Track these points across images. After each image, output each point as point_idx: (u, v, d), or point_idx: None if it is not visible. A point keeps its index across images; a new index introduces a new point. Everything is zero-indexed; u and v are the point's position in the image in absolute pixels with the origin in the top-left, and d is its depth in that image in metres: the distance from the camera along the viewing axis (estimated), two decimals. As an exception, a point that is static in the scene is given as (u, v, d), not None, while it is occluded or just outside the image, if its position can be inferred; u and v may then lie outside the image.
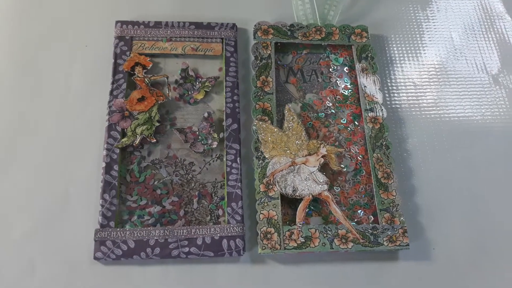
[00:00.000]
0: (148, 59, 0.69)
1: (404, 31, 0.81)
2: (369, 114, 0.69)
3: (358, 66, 0.72)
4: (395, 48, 0.79)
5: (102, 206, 0.60)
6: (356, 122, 0.70)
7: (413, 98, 0.75)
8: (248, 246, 0.61)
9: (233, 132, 0.66)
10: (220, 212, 0.63)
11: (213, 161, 0.66)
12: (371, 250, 0.61)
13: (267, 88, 0.69)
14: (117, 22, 0.72)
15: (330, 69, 0.74)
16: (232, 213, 0.61)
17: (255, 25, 0.73)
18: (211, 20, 0.73)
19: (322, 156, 0.65)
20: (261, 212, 0.61)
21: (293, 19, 0.76)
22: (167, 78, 0.70)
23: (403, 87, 0.76)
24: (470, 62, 0.80)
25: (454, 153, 0.71)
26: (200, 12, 0.76)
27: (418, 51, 0.79)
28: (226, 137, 0.66)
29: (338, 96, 0.72)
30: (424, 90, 0.76)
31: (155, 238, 0.59)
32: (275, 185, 0.63)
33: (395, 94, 0.75)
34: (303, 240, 0.60)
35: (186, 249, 0.59)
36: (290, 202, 0.63)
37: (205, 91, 0.69)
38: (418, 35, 0.81)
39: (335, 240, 0.60)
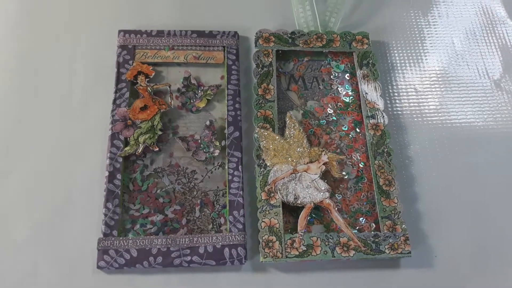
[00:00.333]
0: (151, 68, 0.70)
1: (405, 37, 0.81)
2: (371, 121, 0.69)
3: (359, 73, 0.73)
4: (396, 55, 0.79)
5: (105, 215, 0.61)
6: (357, 129, 0.70)
7: (415, 104, 0.75)
8: (249, 254, 0.62)
9: (235, 140, 0.67)
10: (222, 220, 0.63)
11: (215, 169, 0.66)
12: (373, 258, 0.61)
13: (269, 95, 0.69)
14: (119, 31, 0.72)
15: (331, 76, 0.74)
16: (234, 221, 0.62)
17: (256, 33, 0.73)
18: (212, 28, 0.74)
19: (324, 164, 0.65)
20: (263, 220, 0.61)
21: (294, 27, 0.76)
22: (170, 86, 0.70)
23: (405, 94, 0.76)
24: (471, 67, 0.80)
25: (456, 159, 0.71)
26: (202, 21, 0.77)
27: (419, 57, 0.80)
28: (228, 145, 0.66)
29: (339, 103, 0.72)
30: (426, 96, 0.76)
31: (158, 247, 0.59)
32: (277, 193, 0.63)
33: (397, 101, 0.75)
34: (305, 249, 0.60)
35: (188, 258, 0.59)
36: (291, 210, 0.64)
37: (207, 99, 0.70)
38: (419, 41, 0.81)
39: (337, 248, 0.60)
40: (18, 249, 0.61)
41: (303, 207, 0.63)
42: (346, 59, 0.75)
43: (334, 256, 0.60)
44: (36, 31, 0.75)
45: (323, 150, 0.66)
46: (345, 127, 0.70)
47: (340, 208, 0.65)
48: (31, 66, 0.72)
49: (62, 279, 0.59)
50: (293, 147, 0.66)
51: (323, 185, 0.64)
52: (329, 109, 0.72)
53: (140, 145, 0.65)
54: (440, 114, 0.75)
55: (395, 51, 0.79)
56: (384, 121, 0.69)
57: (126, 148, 0.65)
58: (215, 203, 0.64)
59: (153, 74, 0.69)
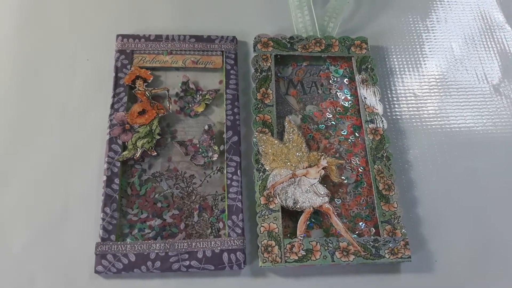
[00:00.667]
0: (149, 73, 0.70)
1: (404, 42, 0.81)
2: (370, 125, 0.69)
3: (358, 78, 0.72)
4: (395, 59, 0.79)
5: (103, 219, 0.60)
6: (356, 134, 0.70)
7: (414, 109, 0.75)
8: (248, 259, 0.61)
9: (234, 145, 0.66)
10: (221, 225, 0.63)
11: (214, 173, 0.66)
12: (373, 263, 0.60)
13: (267, 100, 0.69)
14: (118, 35, 0.72)
15: (330, 81, 0.74)
16: (233, 226, 0.61)
17: (255, 38, 0.73)
18: (211, 33, 0.74)
19: (323, 168, 0.65)
20: (262, 225, 0.61)
21: (292, 32, 0.76)
22: (168, 91, 0.70)
23: (404, 98, 0.76)
24: (470, 72, 0.80)
25: (456, 164, 0.71)
26: (200, 25, 0.77)
27: (418, 62, 0.80)
28: (226, 150, 0.66)
29: (338, 108, 0.72)
30: (425, 101, 0.76)
31: (156, 251, 0.59)
32: (276, 197, 0.62)
33: (396, 105, 0.75)
34: (304, 253, 0.59)
35: (187, 263, 0.59)
36: (290, 215, 0.63)
37: (205, 103, 0.69)
38: (418, 46, 0.81)
39: (336, 253, 0.60)
40: (15, 252, 0.60)
41: (302, 212, 0.62)
42: (345, 64, 0.75)
43: (334, 261, 0.59)
44: (35, 36, 0.75)
45: (322, 155, 0.66)
46: (344, 132, 0.70)
47: (340, 213, 0.65)
48: (29, 70, 0.72)
49: (60, 283, 0.59)
50: (292, 151, 0.66)
51: (322, 189, 0.64)
52: (328, 113, 0.71)
53: (138, 149, 0.65)
54: (439, 119, 0.75)
55: (394, 56, 0.80)
56: (383, 125, 0.69)
57: (124, 153, 0.64)
58: (213, 207, 0.64)
59: (151, 78, 0.69)
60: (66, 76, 0.72)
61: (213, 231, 0.62)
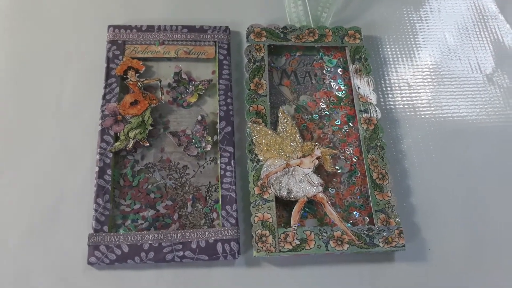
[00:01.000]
0: (141, 63, 0.69)
1: (398, 32, 0.81)
2: (363, 115, 0.69)
3: (351, 68, 0.72)
4: (388, 49, 0.79)
5: (96, 210, 0.60)
6: (350, 124, 0.70)
7: (408, 98, 0.75)
8: (243, 249, 0.61)
9: (227, 135, 0.66)
10: (215, 215, 0.62)
11: (207, 164, 0.66)
12: (367, 252, 0.60)
13: (261, 90, 0.68)
14: (109, 26, 0.72)
15: (324, 71, 0.74)
16: (227, 216, 0.61)
17: (248, 28, 0.73)
18: (203, 23, 0.73)
19: (317, 158, 0.65)
20: (256, 214, 0.61)
21: (286, 21, 0.76)
22: (160, 81, 0.69)
23: (397, 88, 0.76)
24: (464, 62, 0.80)
25: (449, 153, 0.71)
26: (192, 16, 0.76)
27: (412, 52, 0.79)
28: (220, 140, 0.65)
29: (332, 98, 0.72)
30: (419, 91, 0.76)
31: (149, 242, 0.59)
32: (270, 187, 0.62)
33: (389, 95, 0.75)
34: (298, 243, 0.59)
35: (181, 253, 0.58)
36: (285, 204, 0.63)
37: (198, 94, 0.69)
38: (411, 36, 0.81)
39: (331, 242, 0.60)
40: (8, 245, 0.60)
41: (296, 202, 0.62)
42: (339, 54, 0.75)
43: (328, 250, 0.59)
44: (26, 27, 0.74)
45: (316, 145, 0.65)
46: (338, 122, 0.70)
47: (334, 202, 0.64)
48: (21, 62, 0.71)
49: (53, 275, 0.58)
50: (286, 141, 0.65)
51: (316, 179, 0.63)
52: (321, 103, 0.71)
53: (131, 140, 0.64)
54: (432, 108, 0.75)
55: (388, 46, 0.79)
56: (377, 115, 0.69)
57: (116, 144, 0.64)
58: (207, 198, 0.63)
59: (143, 69, 0.69)
60: (58, 67, 0.71)
61: (207, 221, 0.62)
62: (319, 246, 0.59)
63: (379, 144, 0.67)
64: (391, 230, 0.61)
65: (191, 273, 0.60)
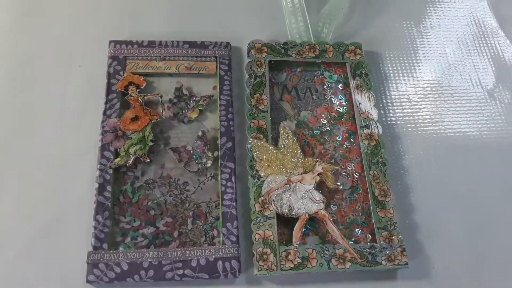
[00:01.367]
0: (142, 79, 0.69)
1: (398, 47, 0.81)
2: (365, 131, 0.69)
3: (352, 83, 0.72)
4: (389, 65, 0.79)
5: (95, 227, 0.59)
6: (351, 139, 0.69)
7: (409, 114, 0.75)
8: (243, 267, 0.60)
9: (228, 151, 0.65)
10: (215, 232, 0.62)
11: (208, 180, 0.65)
12: (370, 270, 0.59)
13: (262, 106, 0.68)
14: (110, 41, 0.72)
15: (325, 87, 0.74)
16: (227, 233, 0.60)
17: (249, 44, 0.73)
18: (205, 39, 0.73)
19: (318, 174, 0.64)
20: (257, 232, 0.60)
21: (286, 37, 0.76)
22: (161, 97, 0.69)
23: (398, 104, 0.76)
24: (465, 77, 0.80)
25: (451, 169, 0.71)
26: (193, 31, 0.76)
27: (412, 68, 0.79)
28: (220, 156, 0.65)
29: (333, 113, 0.71)
30: (420, 106, 0.76)
31: (149, 260, 0.58)
32: (271, 204, 0.62)
33: (391, 111, 0.75)
34: (300, 261, 0.59)
35: (181, 272, 0.58)
36: (286, 222, 0.62)
37: (199, 109, 0.69)
38: (412, 52, 0.81)
39: (333, 260, 0.59)
40: (6, 261, 0.59)
41: (297, 219, 0.61)
42: (339, 70, 0.75)
43: (330, 268, 0.58)
44: (27, 42, 0.74)
45: (317, 161, 0.65)
46: (339, 137, 0.70)
47: (336, 219, 0.64)
48: (22, 77, 0.71)
49: (51, 293, 0.58)
50: (287, 157, 0.65)
51: (318, 195, 0.63)
52: (322, 119, 0.71)
53: (131, 156, 0.64)
54: (434, 124, 0.74)
55: (388, 62, 0.79)
56: (378, 131, 0.69)
57: (117, 160, 0.63)
58: (207, 215, 0.63)
59: (144, 84, 0.68)
60: (58, 82, 0.71)
61: (207, 239, 0.61)
62: (321, 265, 0.59)
63: (380, 160, 0.66)
64: (393, 248, 0.61)
65: (191, 291, 0.59)
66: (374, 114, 0.70)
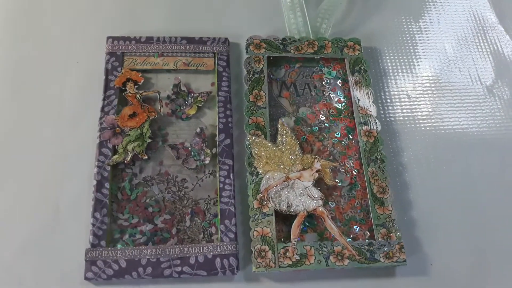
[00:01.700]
0: (140, 75, 0.68)
1: (397, 43, 0.81)
2: (363, 127, 0.68)
3: (351, 79, 0.72)
4: (388, 61, 0.79)
5: (93, 225, 0.59)
6: (350, 136, 0.69)
7: (408, 110, 0.75)
8: (242, 264, 0.60)
9: (226, 148, 0.65)
10: (213, 229, 0.62)
11: (206, 177, 0.65)
12: (368, 267, 0.59)
13: (260, 102, 0.68)
14: (108, 37, 0.71)
15: (323, 83, 0.73)
16: (226, 230, 0.60)
17: (247, 40, 0.72)
18: (203, 35, 0.73)
19: (317, 171, 0.64)
20: (255, 229, 0.60)
21: (285, 33, 0.76)
22: (159, 93, 0.69)
23: (397, 100, 0.75)
24: (464, 73, 0.79)
25: (450, 165, 0.71)
26: (192, 27, 0.76)
27: (411, 63, 0.79)
28: (219, 153, 0.65)
29: (331, 110, 0.71)
30: (419, 103, 0.76)
31: (147, 257, 0.58)
32: (269, 201, 0.62)
33: (389, 107, 0.75)
34: (298, 258, 0.59)
35: (179, 269, 0.58)
36: (284, 219, 0.62)
37: (197, 106, 0.68)
38: (411, 47, 0.81)
39: (331, 257, 0.59)
40: (4, 259, 0.59)
41: (296, 216, 0.61)
42: (338, 66, 0.75)
43: (328, 265, 0.58)
44: (25, 38, 0.74)
45: (316, 157, 0.65)
46: (338, 134, 0.69)
47: (334, 216, 0.64)
48: (19, 73, 0.71)
49: (49, 290, 0.58)
50: (286, 154, 0.65)
51: (316, 192, 0.63)
52: (321, 115, 0.71)
53: (129, 153, 0.64)
54: (433, 120, 0.74)
55: (387, 57, 0.79)
56: (377, 127, 0.69)
57: (115, 157, 0.63)
58: (206, 212, 0.63)
59: (142, 81, 0.68)
60: (56, 79, 0.71)
61: (206, 236, 0.61)
62: (319, 262, 0.59)
63: (379, 157, 0.66)
64: (392, 245, 0.61)
65: (189, 289, 0.59)
66: (373, 110, 0.70)
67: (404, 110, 0.75)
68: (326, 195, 0.64)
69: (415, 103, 0.75)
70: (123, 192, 0.63)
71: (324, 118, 0.70)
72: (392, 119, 0.74)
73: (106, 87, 0.68)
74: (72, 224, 0.61)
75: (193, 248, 0.59)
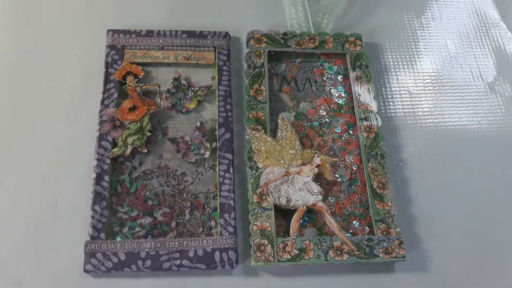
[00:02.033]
0: (140, 68, 0.68)
1: (399, 39, 0.80)
2: (364, 123, 0.68)
3: (352, 75, 0.72)
4: (389, 56, 0.78)
5: (93, 217, 0.59)
6: (350, 131, 0.69)
7: (408, 106, 0.74)
8: (241, 258, 0.60)
9: (226, 142, 0.65)
10: (213, 223, 0.62)
11: (206, 171, 0.65)
12: (367, 262, 0.59)
13: (260, 97, 0.68)
14: (108, 30, 0.71)
15: (324, 78, 0.73)
16: (225, 224, 0.60)
17: (248, 34, 0.72)
18: (203, 28, 0.73)
19: (317, 166, 0.64)
20: (254, 223, 0.60)
21: (286, 28, 0.75)
22: (159, 87, 0.69)
23: (398, 96, 0.75)
24: (465, 70, 0.79)
25: (451, 162, 0.71)
26: (192, 21, 0.75)
27: (413, 59, 0.79)
28: (218, 147, 0.65)
29: (332, 105, 0.71)
30: (420, 99, 0.75)
31: (146, 250, 0.58)
32: (269, 195, 0.62)
33: (390, 103, 0.74)
34: (297, 252, 0.59)
35: (178, 262, 0.58)
36: (284, 213, 0.62)
37: (197, 100, 0.68)
38: (413, 43, 0.80)
39: (330, 252, 0.59)
40: (3, 251, 0.59)
41: (295, 210, 0.61)
42: (339, 61, 0.74)
43: (327, 260, 0.58)
44: (25, 31, 0.74)
45: (316, 152, 0.65)
46: (338, 129, 0.69)
47: (333, 211, 0.64)
48: (19, 66, 0.71)
49: (48, 282, 0.58)
50: (286, 149, 0.65)
51: (316, 187, 0.63)
52: (321, 111, 0.71)
53: (129, 146, 0.63)
54: (434, 117, 0.74)
55: (388, 53, 0.79)
56: (377, 123, 0.68)
57: (114, 150, 0.63)
58: (205, 205, 0.63)
59: (142, 74, 0.68)
60: (56, 72, 0.71)
61: (205, 229, 0.61)
62: (318, 256, 0.59)
63: (379, 152, 0.66)
64: (391, 240, 0.61)
65: (188, 282, 0.59)
66: (373, 106, 0.70)
67: (405, 106, 0.74)
68: (325, 190, 0.64)
69: (416, 99, 0.75)
70: (123, 185, 0.63)
71: (324, 113, 0.70)
72: (393, 115, 0.73)
73: (106, 80, 0.67)
74: (71, 217, 0.61)
75: (192, 242, 0.59)
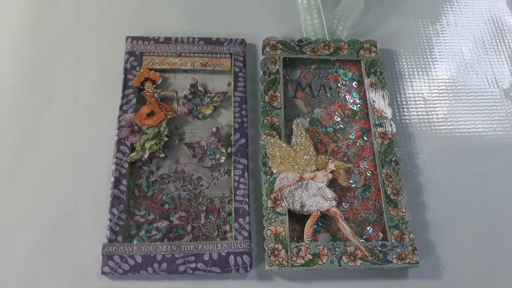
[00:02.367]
0: (158, 74, 0.70)
1: (414, 45, 0.81)
2: (378, 129, 0.69)
3: (366, 81, 0.72)
4: (404, 63, 0.79)
5: (110, 220, 0.60)
6: (365, 137, 0.70)
7: (423, 113, 0.75)
8: (255, 262, 0.61)
9: (241, 147, 0.66)
10: (228, 227, 0.62)
11: (221, 176, 0.66)
12: (380, 268, 0.60)
13: (275, 103, 0.69)
14: (127, 37, 0.73)
15: (339, 84, 0.74)
16: (239, 228, 0.61)
17: (263, 41, 0.73)
18: (220, 35, 0.74)
19: (331, 172, 0.64)
20: (269, 228, 0.61)
21: (301, 35, 0.76)
22: (176, 93, 0.70)
23: (413, 102, 0.75)
24: (480, 76, 0.79)
25: (465, 169, 0.71)
26: (209, 28, 0.77)
27: (427, 66, 0.79)
28: (234, 152, 0.66)
29: (346, 111, 0.71)
30: (434, 105, 0.76)
31: (162, 253, 0.59)
32: (283, 200, 0.62)
33: (405, 109, 0.75)
34: (311, 257, 0.59)
35: (193, 265, 0.59)
36: (297, 218, 0.63)
37: (213, 106, 0.69)
38: (427, 50, 0.81)
39: (344, 258, 0.59)
40: (22, 253, 0.60)
41: (309, 215, 0.62)
42: (354, 67, 0.75)
43: (341, 266, 0.59)
44: (44, 37, 0.75)
45: (330, 158, 0.65)
46: (353, 135, 0.70)
47: (347, 217, 0.64)
48: (39, 71, 0.72)
49: (66, 284, 0.59)
50: (300, 154, 0.65)
51: (330, 193, 0.63)
52: (336, 117, 0.71)
53: (146, 151, 0.65)
54: (448, 123, 0.74)
55: (403, 60, 0.79)
56: (392, 129, 0.69)
57: (132, 154, 0.65)
58: (220, 210, 0.64)
59: (160, 80, 0.69)
60: (75, 78, 0.72)
61: (220, 233, 0.62)
62: (331, 262, 0.59)
63: (394, 158, 0.67)
64: (405, 247, 0.61)
65: (203, 285, 0.60)
66: (388, 112, 0.70)
67: (420, 113, 0.75)
68: (339, 195, 0.64)
69: (431, 105, 0.75)
70: (140, 189, 0.64)
71: (339, 119, 0.71)
72: (408, 121, 0.74)
73: (125, 86, 0.69)
74: (89, 220, 0.62)
75: (208, 245, 0.60)
